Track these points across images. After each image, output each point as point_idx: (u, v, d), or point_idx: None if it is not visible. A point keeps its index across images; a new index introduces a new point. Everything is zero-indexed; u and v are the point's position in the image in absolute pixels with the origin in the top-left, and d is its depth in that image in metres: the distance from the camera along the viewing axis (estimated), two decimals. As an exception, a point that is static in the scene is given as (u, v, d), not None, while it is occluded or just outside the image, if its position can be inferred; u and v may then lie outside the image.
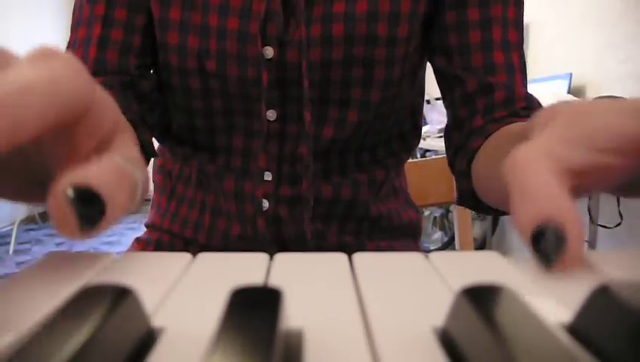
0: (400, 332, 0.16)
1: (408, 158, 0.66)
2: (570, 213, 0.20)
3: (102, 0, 0.52)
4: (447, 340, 0.16)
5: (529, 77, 0.55)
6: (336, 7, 0.50)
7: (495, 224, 2.61)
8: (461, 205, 0.53)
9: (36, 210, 3.83)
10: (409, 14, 0.51)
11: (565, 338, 0.16)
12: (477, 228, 2.64)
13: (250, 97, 0.53)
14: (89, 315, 0.14)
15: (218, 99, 0.54)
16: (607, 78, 2.15)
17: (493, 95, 0.50)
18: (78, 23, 0.54)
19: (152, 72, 0.56)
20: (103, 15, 0.52)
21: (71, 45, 0.54)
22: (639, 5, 2.00)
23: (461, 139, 0.52)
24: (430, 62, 0.57)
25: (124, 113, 0.48)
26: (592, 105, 0.24)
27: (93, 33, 0.52)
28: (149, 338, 0.16)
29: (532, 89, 0.51)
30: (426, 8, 0.52)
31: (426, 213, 2.80)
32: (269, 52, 0.51)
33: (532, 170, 0.21)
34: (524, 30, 0.53)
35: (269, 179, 0.56)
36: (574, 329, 0.16)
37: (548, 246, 0.20)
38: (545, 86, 2.25)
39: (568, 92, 2.16)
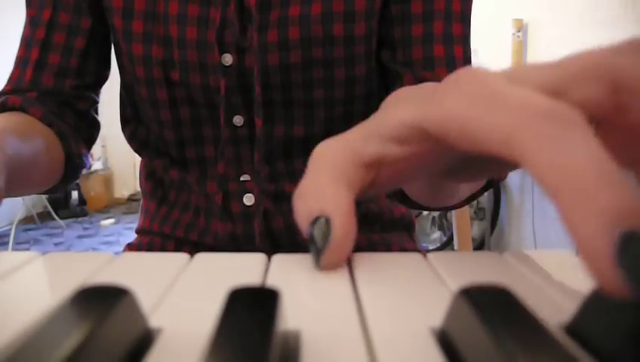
0: (398, 332, 0.16)
1: None
2: (337, 208, 0.21)
3: (43, 22, 0.54)
4: (445, 340, 0.16)
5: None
6: (292, 11, 0.51)
7: (494, 224, 2.61)
8: (388, 198, 0.54)
9: (35, 210, 3.83)
10: (365, 12, 0.51)
11: (564, 339, 0.16)
12: (475, 228, 2.64)
13: (215, 104, 0.54)
14: (86, 315, 0.14)
15: (185, 108, 0.55)
16: (605, 78, 2.15)
17: None
18: (21, 41, 0.56)
19: (98, 90, 0.59)
20: (42, 39, 0.54)
21: (15, 63, 0.56)
22: (638, 5, 2.00)
23: None
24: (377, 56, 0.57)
25: (53, 125, 0.51)
26: (399, 95, 0.24)
27: (31, 56, 0.54)
28: (146, 339, 0.16)
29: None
30: (381, 5, 0.53)
31: (425, 212, 2.80)
32: (228, 59, 0.52)
33: (314, 166, 0.23)
34: (466, 26, 0.53)
35: (248, 179, 0.56)
36: (573, 330, 0.16)
37: (316, 235, 0.21)
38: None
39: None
